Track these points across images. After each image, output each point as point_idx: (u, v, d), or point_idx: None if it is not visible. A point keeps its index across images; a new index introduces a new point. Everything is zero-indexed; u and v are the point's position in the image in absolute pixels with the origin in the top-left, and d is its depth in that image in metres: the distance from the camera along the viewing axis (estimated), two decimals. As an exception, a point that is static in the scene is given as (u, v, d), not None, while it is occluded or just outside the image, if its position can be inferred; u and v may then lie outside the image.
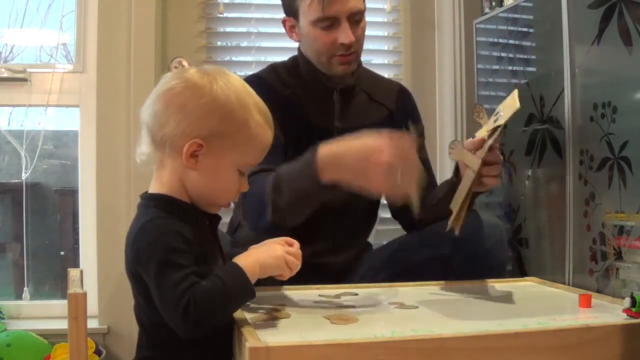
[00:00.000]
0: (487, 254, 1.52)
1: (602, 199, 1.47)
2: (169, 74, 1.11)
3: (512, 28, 1.88)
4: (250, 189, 1.21)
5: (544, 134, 1.69)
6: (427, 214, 1.61)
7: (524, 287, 1.53)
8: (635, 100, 1.38)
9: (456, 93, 2.29)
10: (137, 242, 1.04)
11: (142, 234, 1.04)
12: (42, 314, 2.13)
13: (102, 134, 2.08)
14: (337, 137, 1.35)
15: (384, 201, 1.78)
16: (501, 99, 1.45)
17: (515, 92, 1.39)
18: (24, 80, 2.12)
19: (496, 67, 1.98)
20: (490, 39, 2.02)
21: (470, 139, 1.44)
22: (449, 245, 1.49)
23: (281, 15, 1.67)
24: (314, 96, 1.64)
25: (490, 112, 1.43)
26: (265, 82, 1.64)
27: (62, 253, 2.32)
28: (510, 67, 1.90)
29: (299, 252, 1.13)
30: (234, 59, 2.36)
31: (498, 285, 1.50)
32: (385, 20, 2.40)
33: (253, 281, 1.05)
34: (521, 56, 1.83)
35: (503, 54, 1.93)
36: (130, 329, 1.83)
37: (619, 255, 1.42)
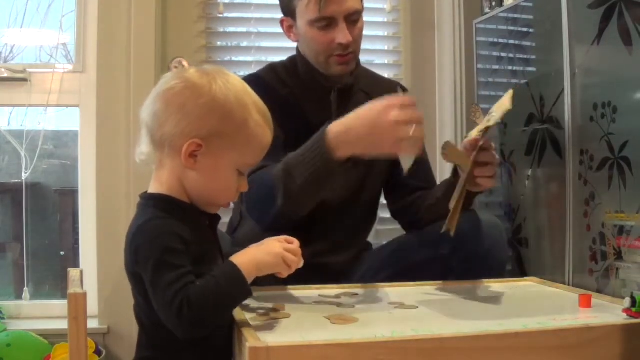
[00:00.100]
0: (487, 254, 1.52)
1: (602, 199, 1.47)
2: (169, 74, 1.11)
3: (512, 28, 1.88)
4: (255, 182, 1.21)
5: (544, 134, 1.69)
6: (426, 213, 1.61)
7: (524, 287, 1.53)
8: (635, 100, 1.38)
9: (456, 93, 2.29)
10: (135, 242, 1.04)
11: (140, 234, 1.04)
12: (42, 314, 2.13)
13: (102, 134, 2.08)
14: None
15: (383, 201, 1.78)
16: (500, 99, 1.45)
17: (510, 92, 1.39)
18: (24, 80, 2.12)
19: (496, 67, 1.98)
20: (490, 39, 2.02)
21: (466, 139, 1.44)
22: (448, 245, 1.49)
23: (281, 15, 1.68)
24: (312, 96, 1.64)
25: (487, 112, 1.44)
26: (264, 81, 1.64)
27: (62, 253, 2.32)
28: (510, 67, 1.90)
29: (299, 249, 1.12)
30: (234, 59, 2.36)
31: (498, 285, 1.50)
32: (385, 20, 2.40)
33: (250, 280, 1.05)
34: (521, 56, 1.84)
35: (503, 54, 1.93)
36: (130, 329, 1.83)
37: (619, 255, 1.42)
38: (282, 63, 1.72)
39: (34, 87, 2.13)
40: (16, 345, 1.87)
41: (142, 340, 1.11)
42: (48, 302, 2.18)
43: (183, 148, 1.06)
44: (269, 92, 1.45)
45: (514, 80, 1.87)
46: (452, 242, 1.47)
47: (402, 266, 1.59)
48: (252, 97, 1.12)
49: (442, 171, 2.20)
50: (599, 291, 1.44)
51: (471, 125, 1.48)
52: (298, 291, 1.40)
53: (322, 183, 1.39)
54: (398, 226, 1.78)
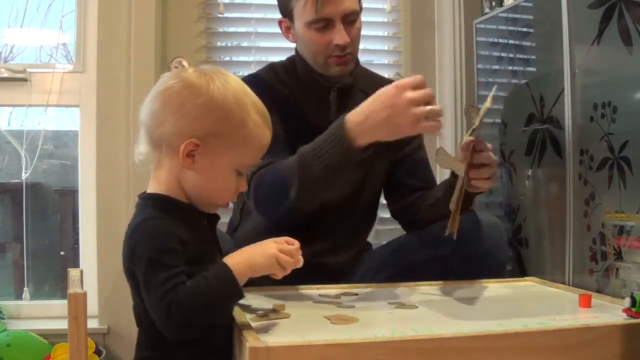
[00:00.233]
0: (486, 254, 1.52)
1: (602, 199, 1.47)
2: (168, 74, 1.11)
3: (512, 28, 1.88)
4: (264, 177, 1.20)
5: (544, 134, 1.69)
6: (426, 213, 1.61)
7: (524, 287, 1.53)
8: (635, 100, 1.38)
9: (456, 93, 2.29)
10: (132, 242, 1.04)
11: (137, 234, 1.04)
12: (42, 314, 2.13)
13: (102, 134, 2.08)
14: None
15: (383, 201, 1.78)
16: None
17: (492, 91, 1.39)
18: (24, 80, 2.12)
19: (496, 67, 1.98)
20: (490, 39, 2.02)
21: (463, 142, 1.44)
22: (448, 245, 1.49)
23: (280, 15, 1.67)
24: (311, 96, 1.64)
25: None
26: (264, 81, 1.64)
27: (62, 253, 2.32)
28: (510, 67, 1.90)
29: (295, 250, 1.11)
30: (234, 59, 2.36)
31: (498, 285, 1.50)
32: (385, 20, 2.40)
33: (242, 281, 1.04)
34: (521, 56, 1.83)
35: (503, 54, 1.93)
36: (130, 329, 1.82)
37: (619, 255, 1.42)
38: (281, 63, 1.72)
39: (34, 87, 2.13)
40: (16, 345, 1.87)
41: (142, 341, 1.10)
42: (48, 302, 2.18)
43: (180, 148, 1.06)
44: (269, 92, 1.45)
45: (514, 80, 1.87)
46: (452, 242, 1.46)
47: (402, 266, 1.59)
48: (250, 97, 1.12)
49: (442, 171, 2.20)
50: (599, 291, 1.44)
51: (470, 125, 1.48)
52: (298, 291, 1.40)
53: (339, 174, 1.40)
54: (398, 226, 1.78)
